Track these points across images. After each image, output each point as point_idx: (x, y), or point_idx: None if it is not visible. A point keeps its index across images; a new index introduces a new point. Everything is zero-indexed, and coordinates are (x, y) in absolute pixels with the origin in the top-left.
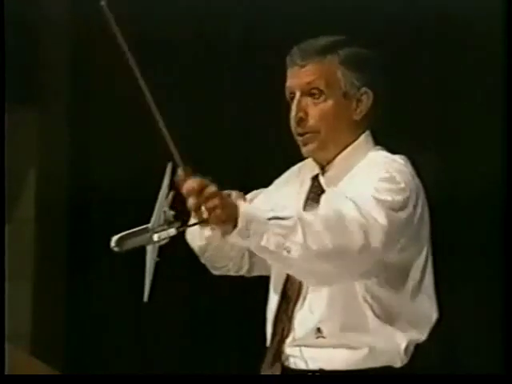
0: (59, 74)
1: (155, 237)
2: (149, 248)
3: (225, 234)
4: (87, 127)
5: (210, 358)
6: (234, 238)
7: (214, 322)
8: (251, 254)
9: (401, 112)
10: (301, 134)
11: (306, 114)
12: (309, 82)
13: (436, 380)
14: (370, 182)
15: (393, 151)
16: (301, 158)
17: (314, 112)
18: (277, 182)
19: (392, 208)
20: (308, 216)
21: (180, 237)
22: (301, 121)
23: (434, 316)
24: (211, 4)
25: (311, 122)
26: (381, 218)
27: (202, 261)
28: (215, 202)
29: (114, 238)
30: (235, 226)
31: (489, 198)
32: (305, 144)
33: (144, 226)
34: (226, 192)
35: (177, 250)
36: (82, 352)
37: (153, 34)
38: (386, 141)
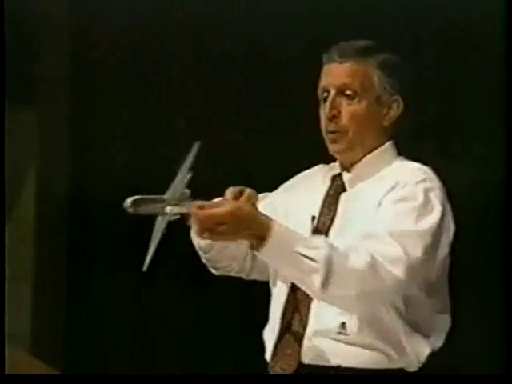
0: (59, 74)
1: (168, 209)
2: (159, 218)
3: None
4: (87, 127)
5: (209, 358)
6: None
7: (214, 322)
8: (254, 257)
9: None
10: (331, 132)
11: (339, 112)
12: (345, 83)
13: (436, 380)
14: (408, 209)
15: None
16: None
17: (347, 112)
18: (285, 185)
19: (429, 235)
20: (338, 261)
21: (180, 237)
22: (333, 118)
23: (449, 320)
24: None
25: (343, 120)
26: (418, 251)
27: (203, 260)
28: (224, 238)
29: (130, 199)
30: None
31: (489, 201)
32: (333, 142)
33: (160, 196)
34: (238, 188)
35: (177, 251)
36: (82, 352)
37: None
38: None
